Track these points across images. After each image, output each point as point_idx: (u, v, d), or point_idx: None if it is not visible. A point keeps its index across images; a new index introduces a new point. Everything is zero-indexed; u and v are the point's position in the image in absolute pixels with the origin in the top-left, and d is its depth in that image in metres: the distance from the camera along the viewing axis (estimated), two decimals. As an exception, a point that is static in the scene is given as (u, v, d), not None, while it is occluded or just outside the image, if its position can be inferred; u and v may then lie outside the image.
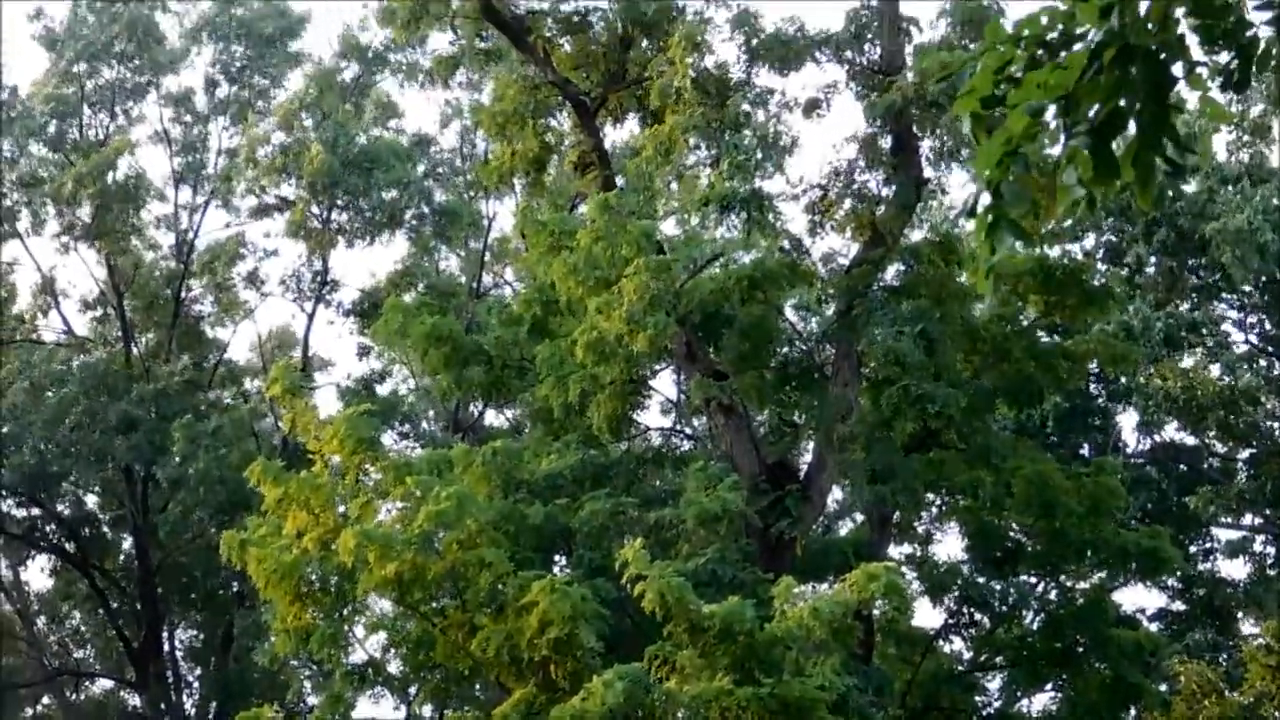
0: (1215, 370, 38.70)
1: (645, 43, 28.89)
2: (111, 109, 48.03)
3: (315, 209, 45.75)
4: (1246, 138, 39.34)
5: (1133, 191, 6.98)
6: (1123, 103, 6.74)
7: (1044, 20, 6.98)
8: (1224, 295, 40.41)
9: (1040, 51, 7.02)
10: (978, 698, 31.40)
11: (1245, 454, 40.22)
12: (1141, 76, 6.66)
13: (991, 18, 25.81)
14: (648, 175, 28.93)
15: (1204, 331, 38.84)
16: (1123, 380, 37.01)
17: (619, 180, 29.59)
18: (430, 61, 34.90)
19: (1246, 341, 40.47)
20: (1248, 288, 39.45)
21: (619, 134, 32.39)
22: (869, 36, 27.73)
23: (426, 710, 31.47)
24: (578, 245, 25.95)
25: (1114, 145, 6.82)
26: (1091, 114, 6.80)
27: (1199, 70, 6.87)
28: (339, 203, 45.75)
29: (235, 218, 48.91)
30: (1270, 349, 40.45)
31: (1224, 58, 7.02)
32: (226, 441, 40.93)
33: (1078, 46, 6.86)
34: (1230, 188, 36.99)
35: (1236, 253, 35.78)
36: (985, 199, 7.08)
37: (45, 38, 47.32)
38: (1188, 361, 38.95)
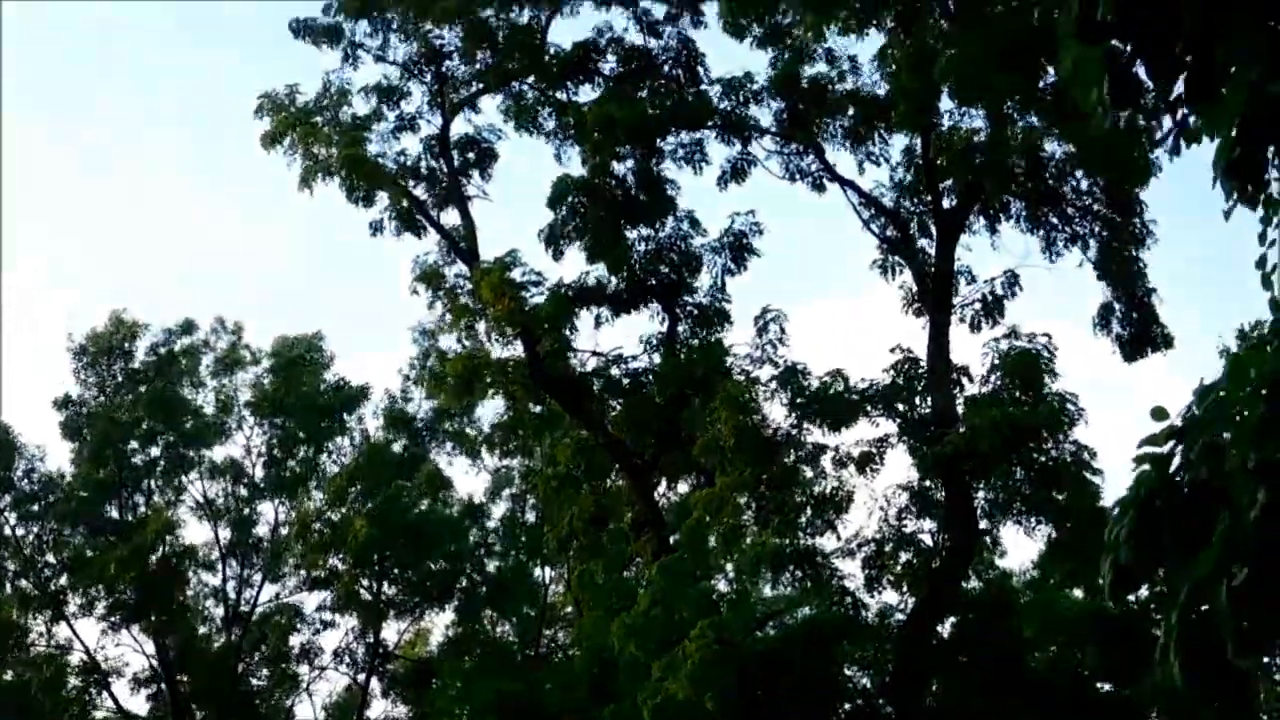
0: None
1: (697, 401, 29.30)
2: (146, 487, 48.71)
3: (365, 581, 45.98)
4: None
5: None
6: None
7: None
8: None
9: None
10: None
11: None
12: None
13: (1040, 366, 26.54)
14: (700, 536, 29.08)
15: (1258, 674, 38.42)
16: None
17: (674, 538, 29.74)
18: (477, 432, 35.60)
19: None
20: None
21: (674, 492, 32.62)
22: (919, 388, 28.08)
23: None
24: (636, 608, 25.98)
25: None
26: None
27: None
28: (389, 575, 45.98)
29: (287, 590, 49.13)
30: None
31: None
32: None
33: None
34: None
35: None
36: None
37: (67, 426, 48.28)
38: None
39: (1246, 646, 7.20)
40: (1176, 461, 7.50)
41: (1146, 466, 7.56)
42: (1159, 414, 7.58)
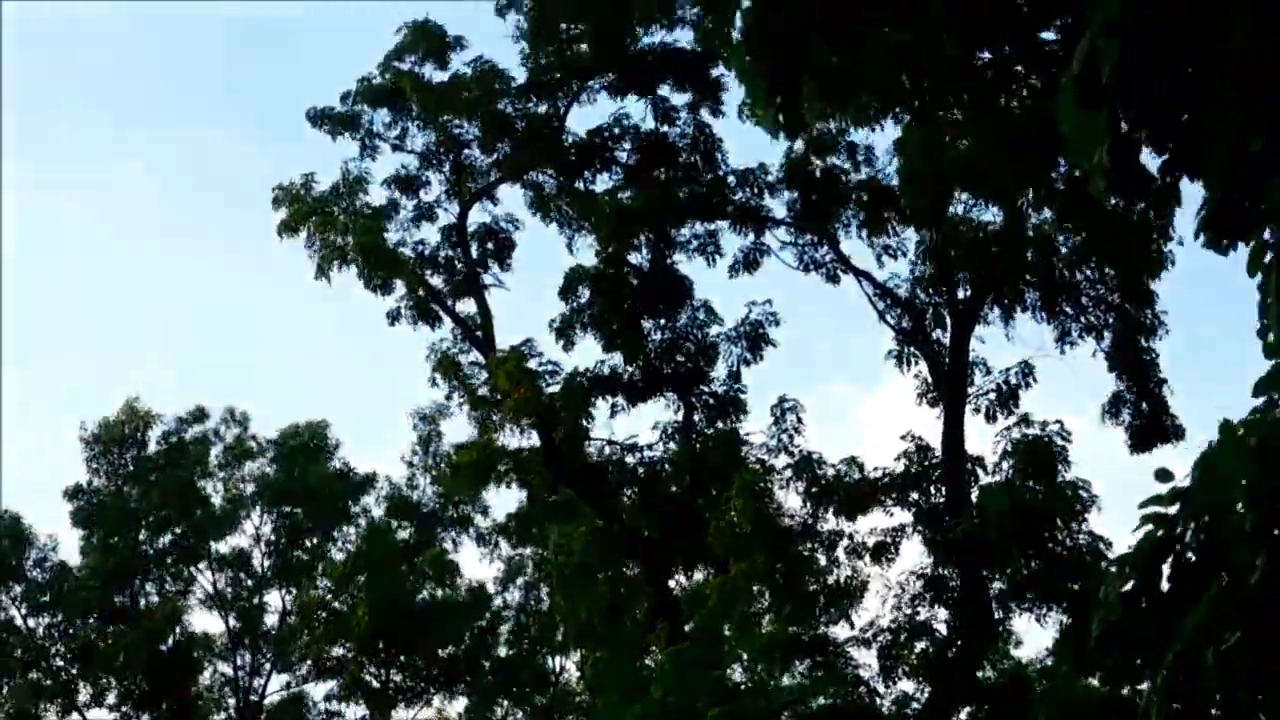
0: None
1: (713, 490, 29.30)
2: (159, 575, 48.69)
3: (372, 669, 45.83)
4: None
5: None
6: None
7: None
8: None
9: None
10: None
11: None
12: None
13: (1053, 455, 26.52)
14: (715, 624, 29.03)
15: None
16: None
17: (689, 626, 29.68)
18: (491, 522, 35.38)
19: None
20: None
21: (690, 580, 32.52)
22: (933, 477, 28.09)
23: None
24: (649, 697, 25.88)
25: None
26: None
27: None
28: (395, 662, 45.82)
29: (296, 678, 48.96)
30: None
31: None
32: None
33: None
34: None
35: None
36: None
37: (78, 515, 48.30)
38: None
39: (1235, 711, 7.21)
40: (1180, 527, 7.53)
41: (1150, 526, 7.59)
42: (1163, 475, 7.64)
